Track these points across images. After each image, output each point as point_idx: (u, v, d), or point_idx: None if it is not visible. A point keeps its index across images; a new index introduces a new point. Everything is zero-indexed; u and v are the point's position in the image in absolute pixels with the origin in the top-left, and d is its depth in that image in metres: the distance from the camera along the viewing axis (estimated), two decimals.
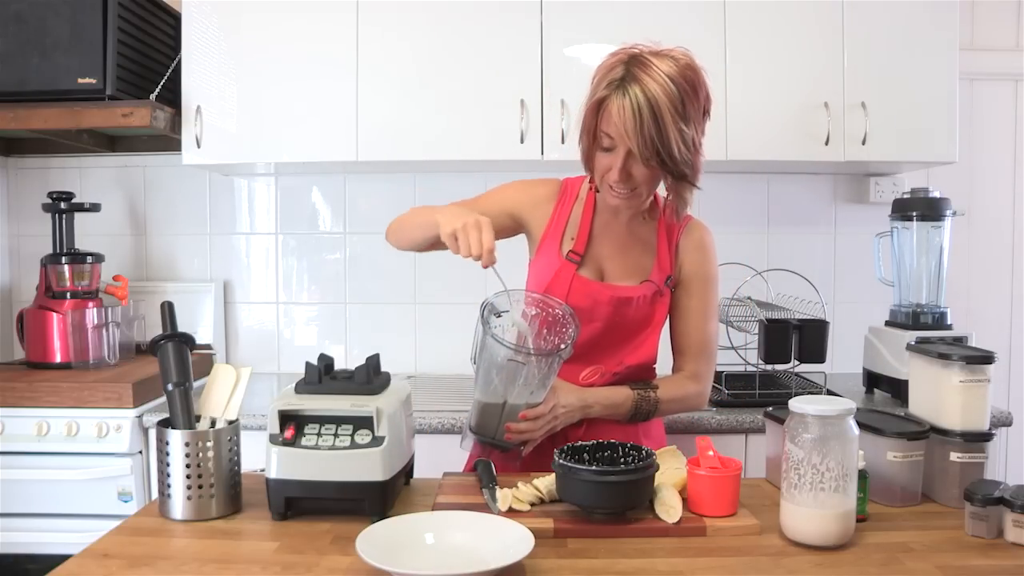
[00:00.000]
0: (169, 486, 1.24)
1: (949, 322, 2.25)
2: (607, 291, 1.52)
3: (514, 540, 1.07)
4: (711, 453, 1.24)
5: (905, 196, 2.29)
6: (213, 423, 1.30)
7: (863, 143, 2.31)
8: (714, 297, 1.59)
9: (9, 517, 2.10)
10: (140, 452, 2.11)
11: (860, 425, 1.18)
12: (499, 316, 1.36)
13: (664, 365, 1.63)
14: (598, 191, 1.50)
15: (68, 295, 2.37)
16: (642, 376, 1.57)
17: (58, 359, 2.34)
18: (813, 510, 1.12)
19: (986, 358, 1.30)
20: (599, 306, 1.51)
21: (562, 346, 1.36)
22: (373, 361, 1.32)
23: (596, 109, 1.38)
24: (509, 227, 1.59)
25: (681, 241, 1.56)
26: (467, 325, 1.48)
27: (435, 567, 1.06)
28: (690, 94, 1.35)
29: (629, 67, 1.35)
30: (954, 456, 1.29)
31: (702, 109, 1.40)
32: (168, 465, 1.24)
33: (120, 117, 2.23)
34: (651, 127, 1.31)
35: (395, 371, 1.43)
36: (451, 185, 2.67)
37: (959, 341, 1.75)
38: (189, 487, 1.23)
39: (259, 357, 2.74)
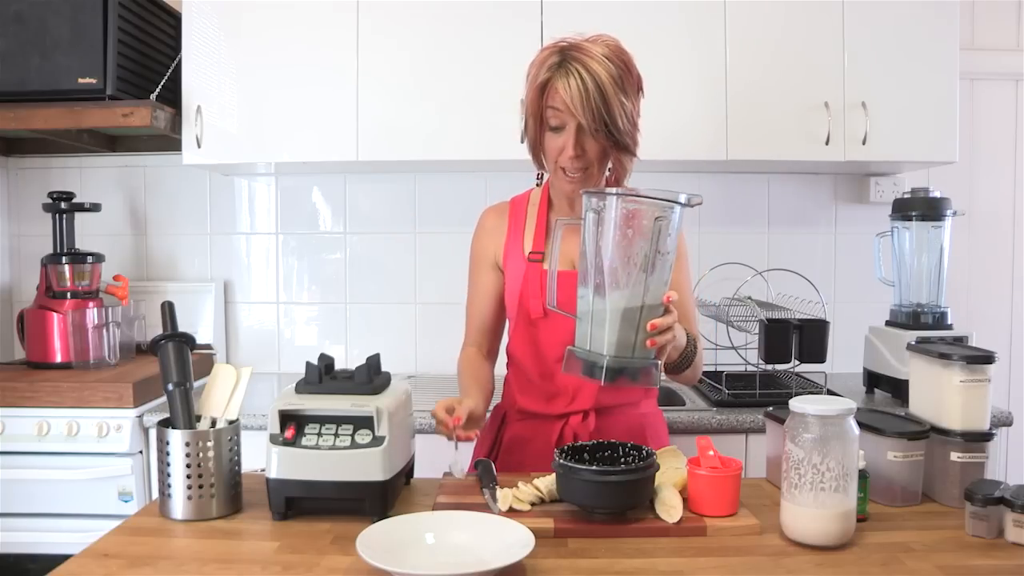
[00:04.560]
0: (169, 486, 1.24)
1: (949, 322, 2.25)
2: None
3: (514, 540, 1.07)
4: (711, 453, 1.24)
5: (905, 196, 2.29)
6: (213, 423, 1.31)
7: (863, 143, 2.31)
8: (688, 266, 1.66)
9: (9, 517, 2.10)
10: (140, 452, 2.11)
11: (860, 425, 1.18)
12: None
13: None
14: (544, 183, 1.51)
15: (68, 295, 2.37)
16: None
17: (58, 359, 2.34)
18: (813, 510, 1.12)
19: (986, 358, 1.30)
20: None
21: (690, 199, 1.24)
22: (373, 361, 1.32)
23: (541, 91, 1.43)
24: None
25: None
26: None
27: (435, 567, 1.06)
28: (625, 71, 1.42)
29: (565, 52, 1.41)
30: (954, 456, 1.29)
31: (636, 87, 1.47)
32: (168, 465, 1.24)
33: (120, 117, 2.23)
34: (597, 99, 1.38)
35: (395, 371, 1.43)
36: (451, 185, 2.67)
37: (959, 341, 1.75)
38: (189, 487, 1.23)
39: (259, 357, 2.74)
